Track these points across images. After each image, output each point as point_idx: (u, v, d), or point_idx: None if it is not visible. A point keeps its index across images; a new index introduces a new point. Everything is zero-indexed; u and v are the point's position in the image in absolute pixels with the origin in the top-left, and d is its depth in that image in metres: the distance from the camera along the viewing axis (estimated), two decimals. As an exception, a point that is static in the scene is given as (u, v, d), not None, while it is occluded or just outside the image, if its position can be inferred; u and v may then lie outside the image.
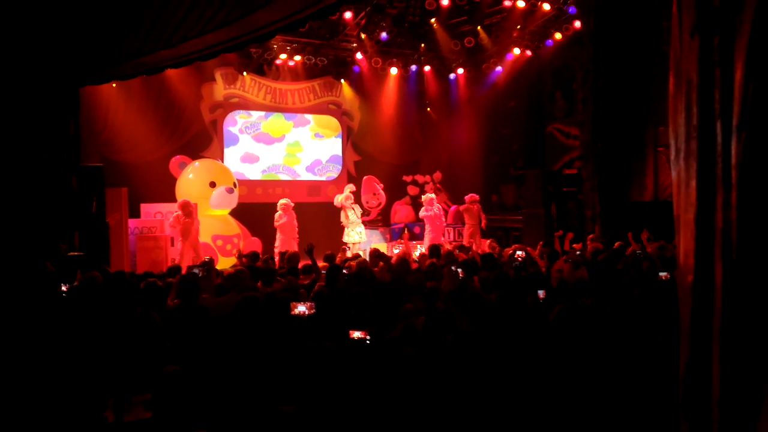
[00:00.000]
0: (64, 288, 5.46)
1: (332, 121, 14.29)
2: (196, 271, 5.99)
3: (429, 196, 11.92)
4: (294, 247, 9.73)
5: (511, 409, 3.27)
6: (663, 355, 3.33)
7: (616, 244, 7.77)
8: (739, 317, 1.87)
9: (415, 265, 7.16)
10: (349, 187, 11.56)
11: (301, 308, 4.54)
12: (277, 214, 10.61)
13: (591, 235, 9.18)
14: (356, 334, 3.71)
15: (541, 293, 4.95)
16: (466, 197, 11.73)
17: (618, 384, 3.39)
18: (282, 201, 10.81)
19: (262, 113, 13.55)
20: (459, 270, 5.94)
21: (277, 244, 10.44)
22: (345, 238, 10.95)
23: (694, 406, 2.05)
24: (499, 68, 13.79)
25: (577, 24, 11.67)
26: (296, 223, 10.68)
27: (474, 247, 9.89)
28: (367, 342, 3.69)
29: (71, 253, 7.73)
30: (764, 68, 1.65)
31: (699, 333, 2.01)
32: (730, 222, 1.79)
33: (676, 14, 1.92)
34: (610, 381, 3.42)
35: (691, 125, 1.90)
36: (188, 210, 9.54)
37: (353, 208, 11.11)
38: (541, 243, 8.43)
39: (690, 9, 1.83)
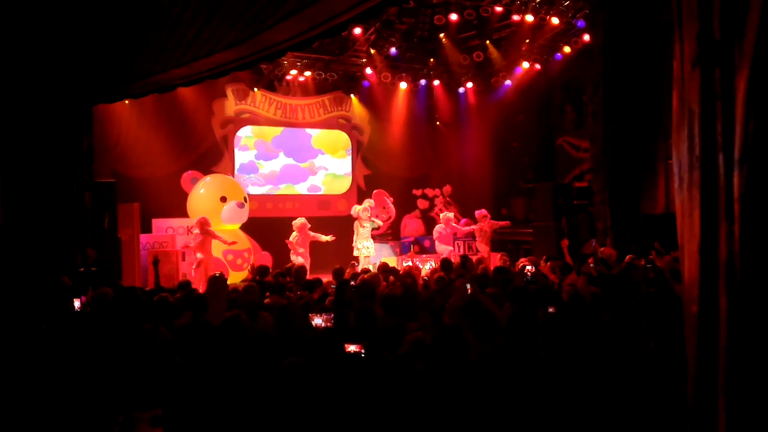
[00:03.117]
0: (77, 303, 5.50)
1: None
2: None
3: (448, 215, 11.85)
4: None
5: (519, 425, 3.25)
6: (672, 372, 3.31)
7: (627, 257, 7.72)
8: (743, 349, 1.86)
9: (421, 281, 7.12)
10: (368, 202, 11.59)
11: (317, 320, 4.55)
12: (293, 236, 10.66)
13: (603, 248, 9.14)
14: (351, 348, 3.71)
15: (551, 308, 4.92)
16: (477, 214, 11.61)
17: (628, 402, 3.36)
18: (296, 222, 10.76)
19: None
20: (468, 285, 5.93)
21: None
22: (356, 252, 10.99)
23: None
24: (508, 82, 13.81)
25: (586, 37, 11.68)
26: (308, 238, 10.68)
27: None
28: (362, 356, 3.70)
29: (84, 269, 7.79)
30: (765, 103, 1.65)
31: (704, 364, 2.00)
32: (734, 254, 1.79)
33: (677, 44, 1.93)
34: (621, 399, 3.39)
35: (693, 155, 1.90)
36: (205, 228, 9.61)
37: (371, 221, 11.15)
38: (544, 257, 8.40)
39: (691, 40, 1.84)
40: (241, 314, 4.41)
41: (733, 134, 1.73)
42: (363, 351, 3.71)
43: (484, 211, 11.56)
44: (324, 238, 10.71)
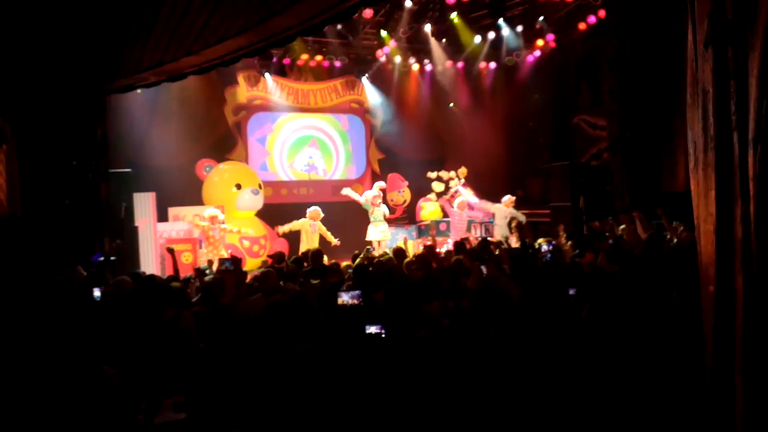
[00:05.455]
0: (97, 293, 5.57)
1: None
2: (227, 265, 6.00)
3: (462, 200, 11.76)
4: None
5: (530, 408, 3.26)
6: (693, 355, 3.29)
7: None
8: (761, 327, 1.85)
9: (437, 262, 7.10)
10: (379, 185, 11.54)
11: (345, 297, 4.57)
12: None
13: (622, 226, 9.05)
14: (372, 329, 3.77)
15: (572, 290, 4.89)
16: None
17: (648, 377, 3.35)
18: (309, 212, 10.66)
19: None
20: (483, 267, 5.92)
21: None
22: (368, 237, 10.98)
23: (719, 414, 2.04)
24: (522, 61, 13.65)
25: (602, 14, 11.49)
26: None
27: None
28: (383, 336, 3.75)
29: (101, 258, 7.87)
30: (779, 81, 1.62)
31: (722, 342, 1.99)
32: (750, 234, 1.77)
33: (690, 24, 1.90)
34: (641, 376, 3.38)
35: (708, 136, 1.87)
36: (214, 220, 9.61)
37: (380, 206, 11.12)
38: (562, 227, 8.31)
39: (703, 20, 1.80)
40: (284, 299, 4.45)
41: (747, 114, 1.70)
42: (383, 332, 3.76)
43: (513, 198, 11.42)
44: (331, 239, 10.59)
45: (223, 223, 9.79)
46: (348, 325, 4.19)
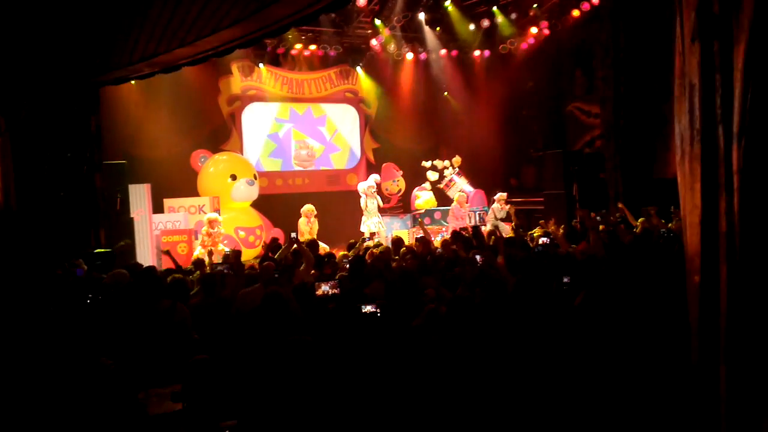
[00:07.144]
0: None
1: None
2: (221, 268, 6.07)
3: (462, 195, 11.85)
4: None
5: (524, 399, 3.31)
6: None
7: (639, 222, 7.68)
8: (743, 317, 1.89)
9: (436, 251, 7.15)
10: (374, 177, 11.58)
11: (324, 288, 4.73)
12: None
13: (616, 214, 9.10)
14: (367, 308, 3.86)
15: (566, 278, 4.94)
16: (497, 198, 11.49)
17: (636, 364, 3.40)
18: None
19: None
20: (477, 257, 5.97)
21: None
22: (362, 228, 11.03)
23: (704, 402, 2.08)
24: (516, 48, 13.64)
25: (596, 0, 11.47)
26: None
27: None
28: (378, 315, 3.82)
29: (98, 250, 7.89)
30: (762, 76, 1.65)
31: (706, 332, 2.03)
32: (733, 226, 1.81)
33: (678, 18, 1.93)
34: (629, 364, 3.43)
35: (694, 129, 1.91)
36: (214, 224, 9.57)
37: (375, 198, 11.17)
38: (552, 220, 8.38)
39: (690, 14, 1.83)
40: (281, 291, 4.51)
41: (732, 107, 1.74)
42: (379, 310, 3.83)
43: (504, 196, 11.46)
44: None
45: (220, 223, 9.75)
46: (327, 316, 4.26)
